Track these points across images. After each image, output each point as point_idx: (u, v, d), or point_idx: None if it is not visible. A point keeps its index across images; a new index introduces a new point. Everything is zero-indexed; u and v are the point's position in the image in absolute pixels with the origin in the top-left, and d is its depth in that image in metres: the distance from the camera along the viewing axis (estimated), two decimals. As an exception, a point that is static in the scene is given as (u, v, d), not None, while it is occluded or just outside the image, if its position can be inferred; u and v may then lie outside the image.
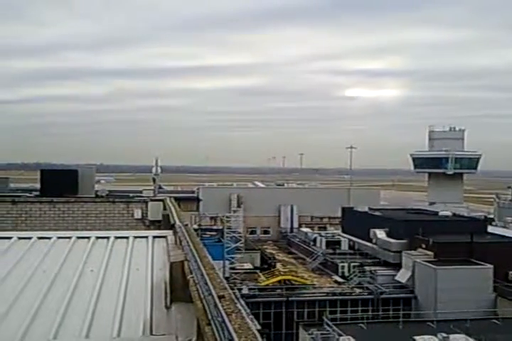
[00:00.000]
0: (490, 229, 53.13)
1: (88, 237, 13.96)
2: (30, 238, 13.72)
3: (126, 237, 14.09)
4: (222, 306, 6.64)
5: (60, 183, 26.99)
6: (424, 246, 46.16)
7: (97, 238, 13.93)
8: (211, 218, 69.07)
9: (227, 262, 47.09)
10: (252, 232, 75.89)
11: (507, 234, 51.04)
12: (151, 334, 8.17)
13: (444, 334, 30.65)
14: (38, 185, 33.21)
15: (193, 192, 79.47)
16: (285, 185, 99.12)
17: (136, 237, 14.13)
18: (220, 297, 7.02)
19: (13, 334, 7.78)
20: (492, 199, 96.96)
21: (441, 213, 58.12)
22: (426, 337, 30.78)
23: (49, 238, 13.85)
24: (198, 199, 66.09)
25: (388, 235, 51.06)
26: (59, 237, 13.95)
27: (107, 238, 13.93)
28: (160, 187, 65.95)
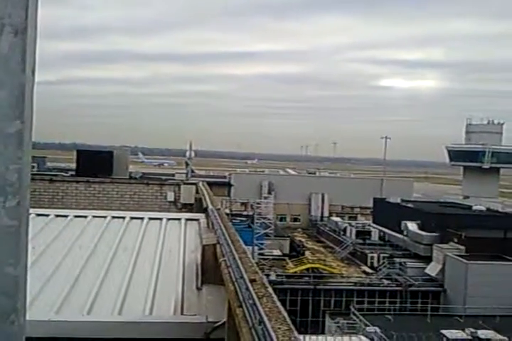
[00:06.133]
0: (525, 225, 52.13)
1: (123, 217, 14.19)
2: (66, 216, 14.02)
3: (160, 219, 14.29)
4: (254, 289, 6.70)
5: (95, 164, 27.36)
6: (456, 240, 45.62)
7: (132, 218, 14.16)
8: (242, 204, 69.41)
9: (256, 248, 47.33)
10: (282, 219, 76.05)
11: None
12: (182, 313, 8.30)
13: (473, 330, 30.41)
14: (73, 165, 33.81)
15: (224, 177, 79.93)
16: (316, 173, 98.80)
17: (169, 219, 14.31)
18: (252, 280, 7.09)
19: (50, 307, 8.00)
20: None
21: (474, 207, 57.26)
22: (454, 331, 30.60)
23: (85, 216, 14.13)
24: (229, 185, 66.42)
25: (420, 228, 50.57)
26: (94, 216, 14.23)
27: (141, 219, 14.15)
28: (192, 171, 66.47)
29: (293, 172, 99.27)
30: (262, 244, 50.23)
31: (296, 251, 56.06)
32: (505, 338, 30.27)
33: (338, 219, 67.88)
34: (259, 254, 48.84)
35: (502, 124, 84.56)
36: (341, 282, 44.63)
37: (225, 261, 8.67)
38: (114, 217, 14.17)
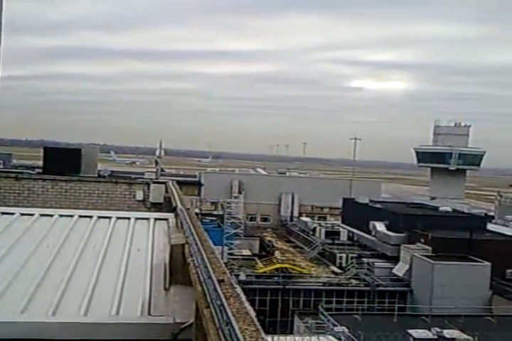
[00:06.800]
0: (489, 226, 53.18)
1: (90, 216, 13.98)
2: (32, 215, 13.75)
3: (128, 218, 14.11)
4: (222, 290, 6.66)
5: (62, 162, 26.95)
6: (423, 240, 46.26)
7: (99, 217, 13.96)
8: (212, 203, 69.23)
9: (226, 248, 47.24)
10: (252, 219, 76.12)
11: (506, 232, 51.07)
12: (149, 314, 8.21)
13: (438, 329, 30.85)
14: (40, 163, 33.23)
15: (195, 176, 79.68)
16: (287, 173, 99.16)
17: (137, 218, 14.15)
18: (220, 281, 7.05)
19: (14, 309, 7.83)
20: (493, 197, 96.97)
21: (441, 208, 58.21)
22: (420, 330, 31.00)
23: (51, 215, 13.87)
24: (199, 184, 66.17)
25: (388, 228, 51.17)
26: (61, 215, 13.98)
27: (109, 218, 13.96)
28: (162, 170, 66.05)
29: (263, 172, 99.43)
30: (231, 243, 50.17)
31: (265, 251, 56.18)
32: (469, 337, 30.78)
33: (307, 219, 68.24)
34: (229, 254, 48.78)
35: (469, 127, 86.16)
36: (310, 282, 44.88)
37: (193, 261, 8.60)
38: (81, 216, 13.94)
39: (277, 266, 46.73)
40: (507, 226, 61.07)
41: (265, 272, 45.70)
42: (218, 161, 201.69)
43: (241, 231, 54.49)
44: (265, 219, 77.83)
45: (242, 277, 42.80)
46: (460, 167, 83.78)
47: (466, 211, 64.09)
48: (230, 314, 5.76)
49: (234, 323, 5.50)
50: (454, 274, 41.14)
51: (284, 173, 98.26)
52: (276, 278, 44.45)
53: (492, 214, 76.33)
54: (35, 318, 7.65)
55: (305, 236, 61.13)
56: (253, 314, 6.22)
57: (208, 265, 7.73)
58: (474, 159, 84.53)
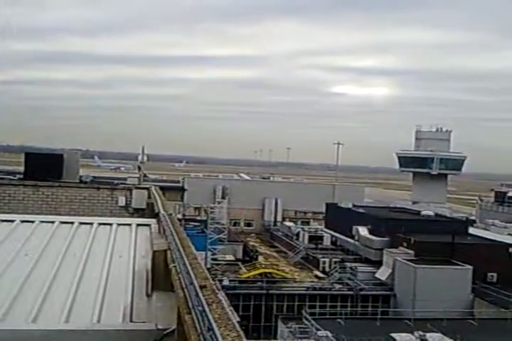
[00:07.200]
0: (471, 230, 53.67)
1: (71, 222, 13.90)
2: (13, 221, 13.63)
3: (110, 224, 14.05)
4: (204, 296, 6.66)
5: (44, 167, 26.73)
6: (405, 244, 46.51)
7: (81, 223, 13.88)
8: (195, 208, 69.12)
9: (209, 253, 47.12)
10: (236, 224, 75.99)
11: (487, 236, 51.57)
12: (131, 321, 8.18)
13: (421, 333, 30.99)
14: (21, 168, 32.92)
15: (178, 181, 79.43)
16: (270, 178, 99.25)
17: (119, 224, 14.09)
18: (202, 287, 7.05)
19: (-7, 316, 7.75)
20: (475, 201, 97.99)
21: (423, 213, 58.59)
22: (403, 334, 31.12)
23: (32, 221, 13.77)
24: (183, 189, 66.03)
25: (370, 232, 51.38)
26: (42, 221, 13.88)
27: (91, 224, 13.89)
28: (145, 176, 65.79)
29: (247, 178, 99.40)
30: (215, 249, 50.01)
31: (249, 256, 56.09)
32: (451, 340, 30.99)
33: (291, 224, 68.28)
34: (213, 259, 48.63)
35: (450, 132, 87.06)
36: (294, 287, 44.87)
37: (175, 267, 8.59)
38: (62, 222, 13.86)
39: (261, 271, 46.69)
40: (488, 230, 61.78)
41: (249, 277, 45.61)
42: (190, 165, 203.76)
43: (224, 237, 54.35)
44: (249, 224, 77.77)
45: (226, 282, 42.68)
46: (442, 171, 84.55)
47: (448, 215, 64.61)
48: (211, 320, 5.77)
49: (215, 329, 5.51)
50: (436, 278, 41.40)
51: (268, 178, 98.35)
52: (259, 283, 44.37)
53: (473, 218, 77.24)
54: (16, 326, 7.58)
55: (288, 241, 61.16)
56: (235, 320, 6.23)
57: (190, 271, 7.73)
58: (455, 164, 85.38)
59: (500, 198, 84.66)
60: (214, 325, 5.60)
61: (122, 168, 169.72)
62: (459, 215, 72.62)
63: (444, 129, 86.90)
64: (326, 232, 59.41)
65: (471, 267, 42.08)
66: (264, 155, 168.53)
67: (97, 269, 10.26)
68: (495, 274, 43.99)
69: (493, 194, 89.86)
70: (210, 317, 5.83)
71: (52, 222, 13.81)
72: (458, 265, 42.93)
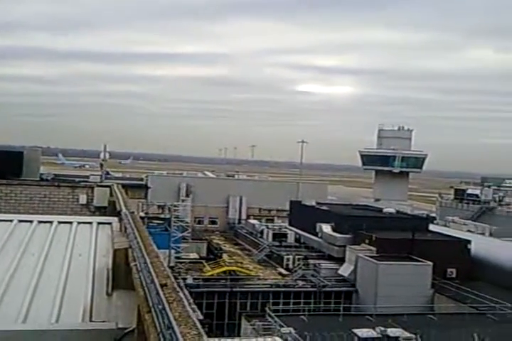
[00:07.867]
0: (431, 227, 54.67)
1: (30, 221, 13.65)
2: (-31, 220, 13.32)
3: (70, 222, 13.85)
4: (164, 294, 6.63)
5: (3, 165, 26.21)
6: (367, 241, 47.12)
7: (40, 222, 13.64)
8: (159, 206, 68.35)
9: (173, 251, 46.83)
10: (200, 222, 75.73)
11: (447, 233, 52.68)
12: (91, 320, 8.09)
13: (382, 328, 31.42)
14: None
15: (141, 179, 78.66)
16: (235, 176, 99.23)
17: (80, 223, 13.90)
18: (162, 285, 7.01)
19: None
20: (435, 198, 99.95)
21: (385, 210, 59.40)
22: (364, 330, 31.51)
23: (-11, 220, 13.47)
24: (146, 187, 65.34)
25: (333, 229, 51.87)
26: (0, 220, 13.59)
27: (50, 222, 13.66)
28: (107, 173, 65.00)
29: (211, 175, 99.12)
30: (178, 247, 49.73)
31: (213, 254, 56.00)
32: (412, 335, 31.53)
33: (255, 221, 68.41)
34: (176, 258, 48.34)
35: (411, 130, 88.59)
36: (257, 284, 44.99)
37: (136, 265, 8.53)
38: (20, 221, 13.60)
39: (225, 268, 46.66)
40: (448, 226, 63.11)
41: (213, 275, 45.53)
42: (137, 162, 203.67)
43: (188, 235, 54.12)
44: (213, 222, 77.59)
45: (190, 280, 42.50)
46: (403, 169, 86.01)
47: (409, 212, 65.76)
48: (171, 318, 5.75)
49: (175, 327, 5.49)
50: (398, 274, 42.05)
51: (233, 176, 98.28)
52: (223, 280, 44.34)
53: (434, 215, 78.78)
54: (-29, 327, 7.40)
55: (253, 239, 61.29)
56: (196, 318, 6.22)
57: (151, 269, 7.69)
58: (417, 162, 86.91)
59: (460, 195, 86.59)
60: (174, 323, 5.58)
61: (87, 166, 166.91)
62: (420, 212, 73.99)
63: (405, 128, 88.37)
64: (290, 230, 59.73)
65: (431, 263, 42.89)
66: (229, 153, 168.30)
67: (56, 268, 10.11)
68: (454, 270, 44.98)
69: (452, 191, 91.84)
70: (170, 315, 5.82)
71: (11, 221, 13.54)
72: (418, 261, 43.69)
